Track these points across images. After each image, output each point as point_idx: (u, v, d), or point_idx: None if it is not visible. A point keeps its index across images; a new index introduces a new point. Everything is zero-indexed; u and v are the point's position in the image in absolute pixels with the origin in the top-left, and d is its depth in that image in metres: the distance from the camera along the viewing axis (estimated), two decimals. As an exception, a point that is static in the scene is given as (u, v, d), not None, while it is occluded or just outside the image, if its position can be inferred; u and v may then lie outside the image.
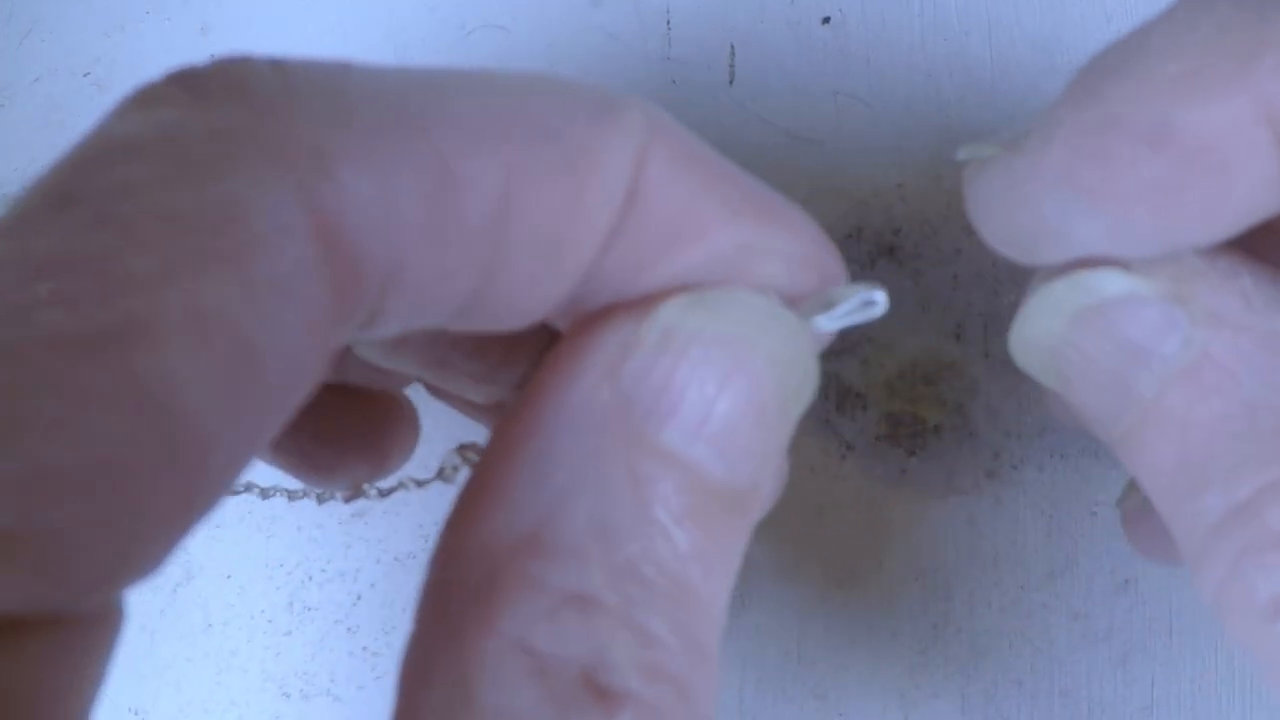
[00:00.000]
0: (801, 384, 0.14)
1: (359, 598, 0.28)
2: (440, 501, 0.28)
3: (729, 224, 0.14)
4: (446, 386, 0.20)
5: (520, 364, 0.19)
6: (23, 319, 0.09)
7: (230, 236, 0.10)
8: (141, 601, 0.28)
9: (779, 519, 0.26)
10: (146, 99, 0.11)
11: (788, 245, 0.14)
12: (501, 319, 0.14)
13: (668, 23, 0.29)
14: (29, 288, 0.10)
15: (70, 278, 0.10)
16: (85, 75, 0.34)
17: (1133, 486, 0.19)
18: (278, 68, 0.12)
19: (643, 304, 0.14)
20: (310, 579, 0.28)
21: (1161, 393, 0.14)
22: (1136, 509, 0.19)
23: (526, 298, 0.13)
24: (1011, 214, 0.15)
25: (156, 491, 0.10)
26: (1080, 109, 0.14)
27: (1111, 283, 0.15)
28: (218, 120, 0.11)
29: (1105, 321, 0.15)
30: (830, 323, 0.15)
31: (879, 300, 0.14)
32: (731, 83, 0.29)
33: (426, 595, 0.13)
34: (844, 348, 0.26)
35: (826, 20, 0.28)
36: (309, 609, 0.28)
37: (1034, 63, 0.27)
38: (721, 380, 0.13)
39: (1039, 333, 0.16)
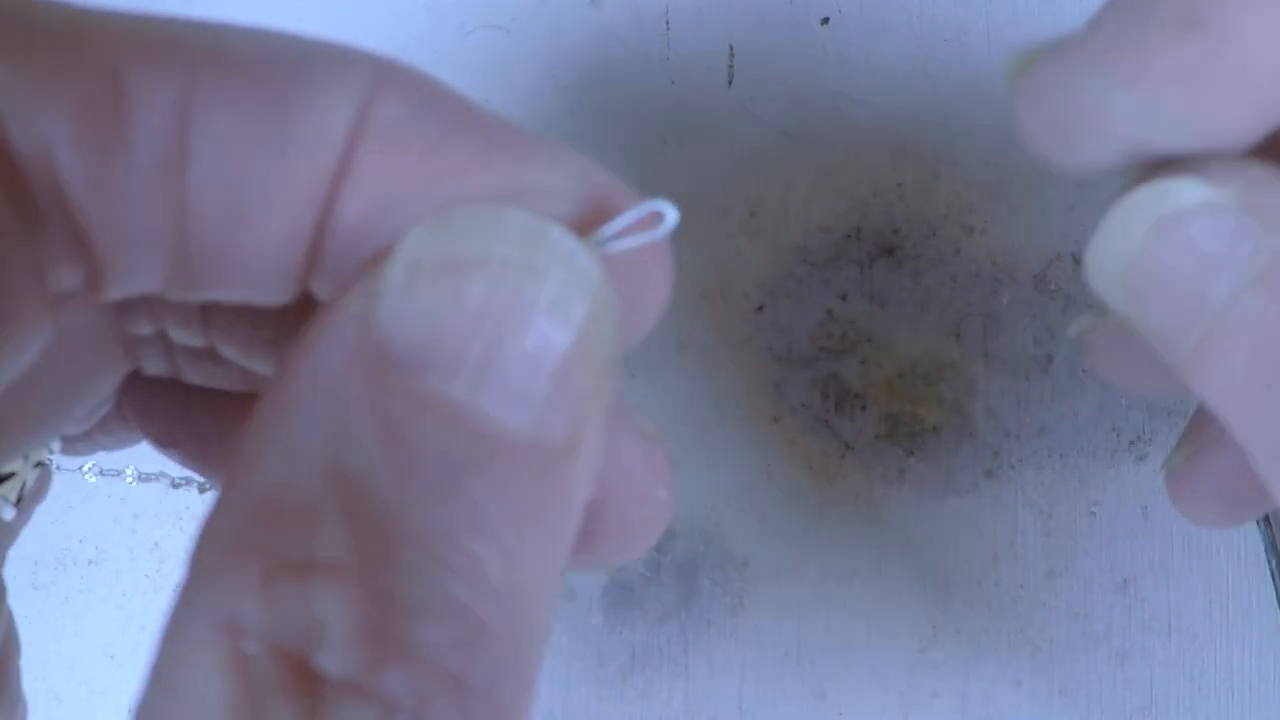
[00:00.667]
0: (603, 321, 0.12)
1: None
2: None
3: (484, 166, 0.12)
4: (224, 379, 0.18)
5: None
6: None
7: None
8: (143, 600, 0.28)
9: (779, 518, 0.26)
10: None
11: (561, 182, 0.13)
12: (238, 282, 0.12)
13: (667, 23, 0.29)
14: None
15: None
16: (85, 75, 0.34)
17: (1178, 447, 0.20)
18: None
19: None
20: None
21: (1234, 299, 0.15)
22: (1182, 469, 0.20)
23: (247, 255, 0.12)
24: (1056, 101, 0.16)
25: None
26: (1118, 5, 0.15)
27: (1189, 192, 0.15)
28: None
29: (1182, 230, 0.15)
30: (616, 242, 0.13)
31: (668, 212, 0.13)
32: (731, 83, 0.29)
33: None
34: (843, 348, 0.26)
35: (826, 21, 0.28)
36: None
37: (1033, 63, 0.27)
38: (499, 316, 0.12)
39: (1118, 246, 0.16)
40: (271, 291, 0.13)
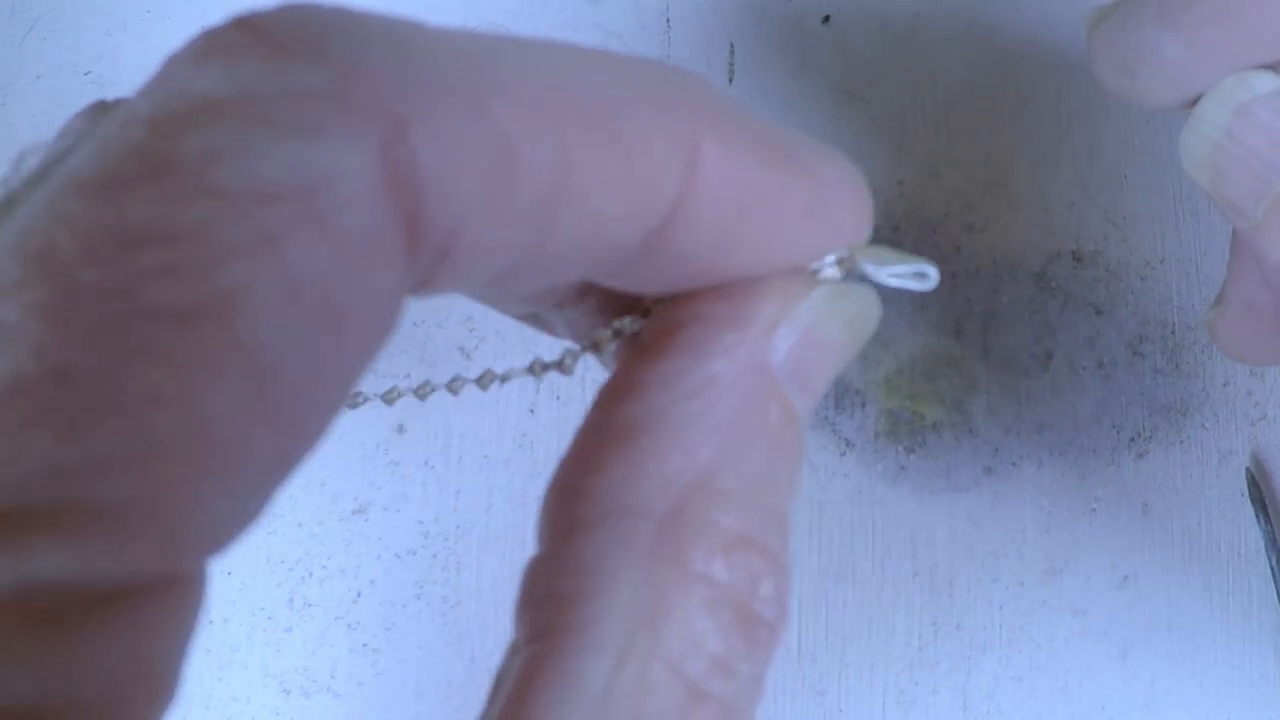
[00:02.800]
0: (862, 343, 0.17)
1: (359, 594, 0.28)
2: (443, 498, 0.28)
3: (789, 196, 0.15)
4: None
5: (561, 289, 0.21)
6: (129, 292, 0.10)
7: (319, 201, 0.11)
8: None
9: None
10: (217, 48, 0.11)
11: (844, 211, 0.16)
12: (546, 281, 0.15)
13: (667, 21, 0.29)
14: (134, 260, 0.10)
15: (173, 249, 0.10)
16: (86, 74, 0.34)
17: (1213, 305, 0.23)
18: (352, 20, 0.12)
19: (771, 286, 0.16)
20: (310, 575, 0.28)
21: None
22: (1221, 314, 0.23)
23: (576, 265, 0.14)
24: (1124, 44, 0.19)
25: (258, 454, 0.11)
26: None
27: (1265, 81, 0.19)
28: (297, 79, 0.11)
29: (1258, 115, 0.19)
30: (884, 279, 0.17)
31: (931, 275, 0.17)
32: (731, 81, 0.29)
33: (582, 515, 0.15)
34: (844, 345, 0.26)
35: (826, 19, 0.28)
36: (309, 605, 0.28)
37: (1034, 61, 0.27)
38: (830, 351, 0.16)
39: (1206, 129, 0.20)
40: (568, 281, 0.15)
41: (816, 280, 0.16)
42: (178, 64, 0.11)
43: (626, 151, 0.13)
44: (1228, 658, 0.24)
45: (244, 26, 0.11)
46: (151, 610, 0.10)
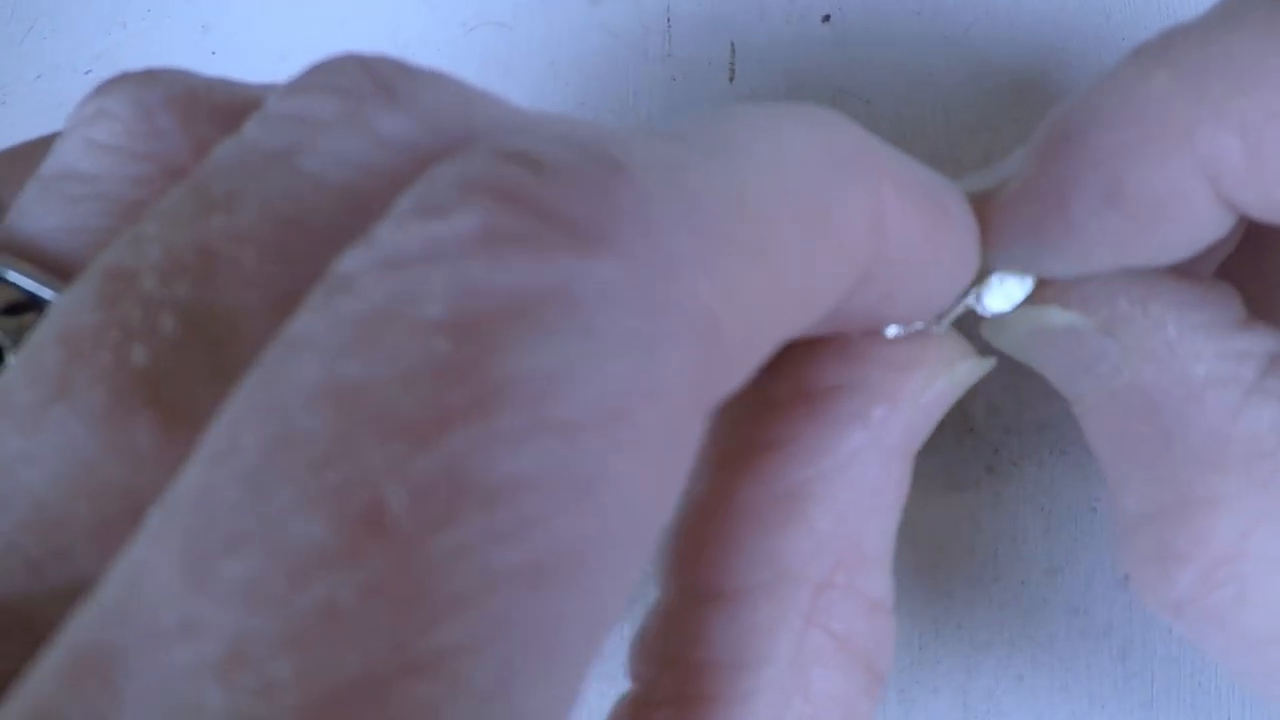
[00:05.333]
0: None
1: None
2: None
3: (942, 240, 0.15)
4: None
5: None
6: (472, 560, 0.08)
7: (649, 417, 0.09)
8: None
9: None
10: (515, 237, 0.09)
11: (970, 245, 0.16)
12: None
13: (668, 20, 0.29)
14: (473, 519, 0.08)
15: (518, 501, 0.08)
16: (87, 73, 0.34)
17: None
18: (627, 180, 0.10)
19: (921, 356, 0.16)
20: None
21: (1098, 403, 0.17)
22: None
23: (778, 342, 0.13)
24: (993, 251, 0.18)
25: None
26: (1044, 168, 0.16)
27: (1055, 317, 0.17)
28: (602, 273, 0.09)
29: (1053, 341, 0.18)
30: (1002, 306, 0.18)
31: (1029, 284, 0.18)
32: (732, 80, 0.29)
33: (741, 578, 0.15)
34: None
35: (827, 18, 0.28)
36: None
37: (1033, 60, 0.27)
38: (945, 409, 0.17)
39: (1001, 338, 0.19)
40: None
41: (960, 350, 0.17)
42: (453, 249, 0.09)
43: (839, 233, 0.13)
44: (1228, 657, 0.24)
45: (524, 203, 0.09)
46: None
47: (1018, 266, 0.17)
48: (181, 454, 0.09)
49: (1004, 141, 0.27)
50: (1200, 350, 0.16)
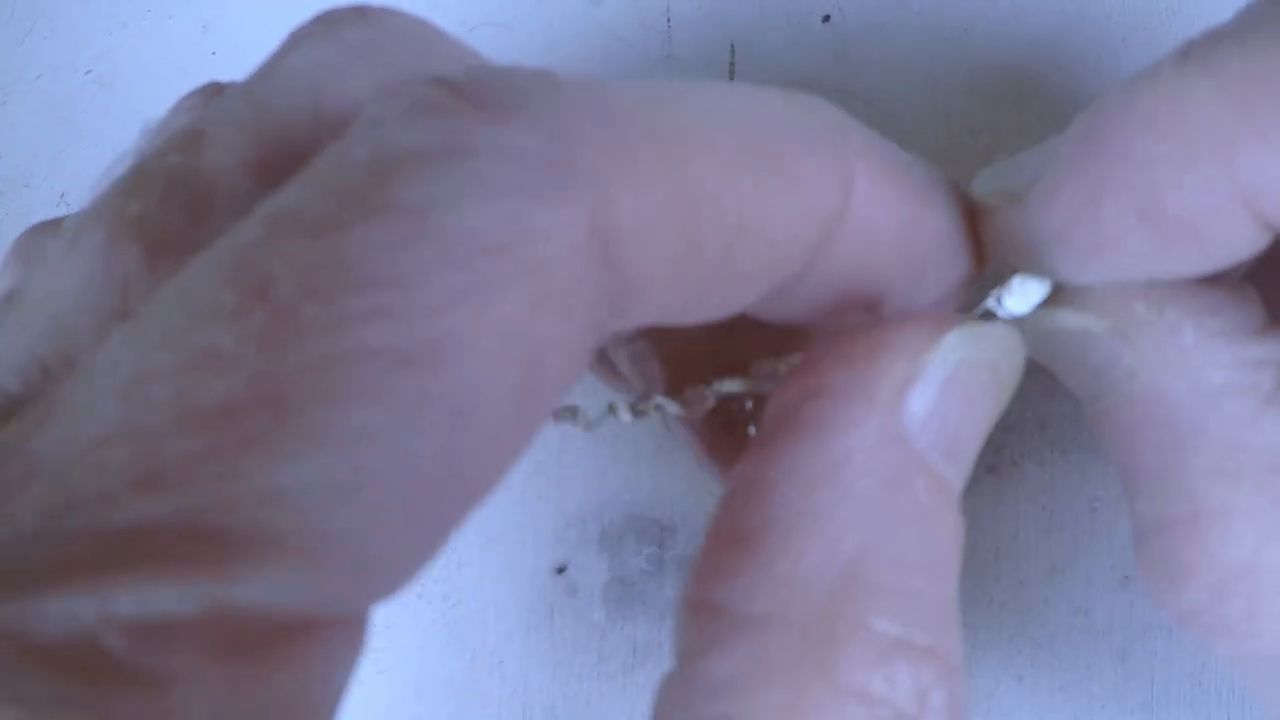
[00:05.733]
0: (1010, 396, 0.16)
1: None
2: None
3: (922, 228, 0.15)
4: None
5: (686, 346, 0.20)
6: (345, 330, 0.10)
7: (529, 255, 0.11)
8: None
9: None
10: (423, 107, 0.11)
11: (958, 249, 0.16)
12: (705, 315, 0.14)
13: (668, 21, 0.29)
14: (353, 300, 0.10)
15: (390, 292, 0.10)
16: (87, 73, 0.34)
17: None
18: (550, 83, 0.12)
19: (894, 337, 0.14)
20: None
21: (1112, 407, 0.16)
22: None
23: (736, 301, 0.14)
24: (1014, 253, 0.17)
25: (451, 497, 0.11)
26: (1076, 175, 0.15)
27: (1068, 319, 0.17)
28: (505, 137, 0.11)
29: (1068, 344, 0.17)
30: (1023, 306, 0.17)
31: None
32: (732, 80, 0.29)
33: (713, 630, 0.13)
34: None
35: (827, 19, 0.28)
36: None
37: (1034, 61, 0.27)
38: (977, 405, 0.15)
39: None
40: (720, 316, 0.15)
41: (944, 324, 0.15)
42: (383, 115, 0.11)
43: (796, 188, 0.13)
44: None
45: (443, 86, 0.12)
46: (327, 647, 0.10)
47: (1040, 271, 0.17)
48: (163, 275, 0.12)
49: (1004, 141, 0.27)
50: (1218, 358, 0.15)
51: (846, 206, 0.14)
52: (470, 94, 0.11)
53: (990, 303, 0.17)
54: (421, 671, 0.27)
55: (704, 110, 0.13)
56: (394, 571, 0.11)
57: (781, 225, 0.13)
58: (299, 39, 0.15)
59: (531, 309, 0.11)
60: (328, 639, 0.10)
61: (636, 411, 0.17)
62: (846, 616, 0.13)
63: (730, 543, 0.14)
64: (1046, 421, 0.25)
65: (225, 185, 0.13)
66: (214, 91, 0.18)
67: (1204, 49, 0.14)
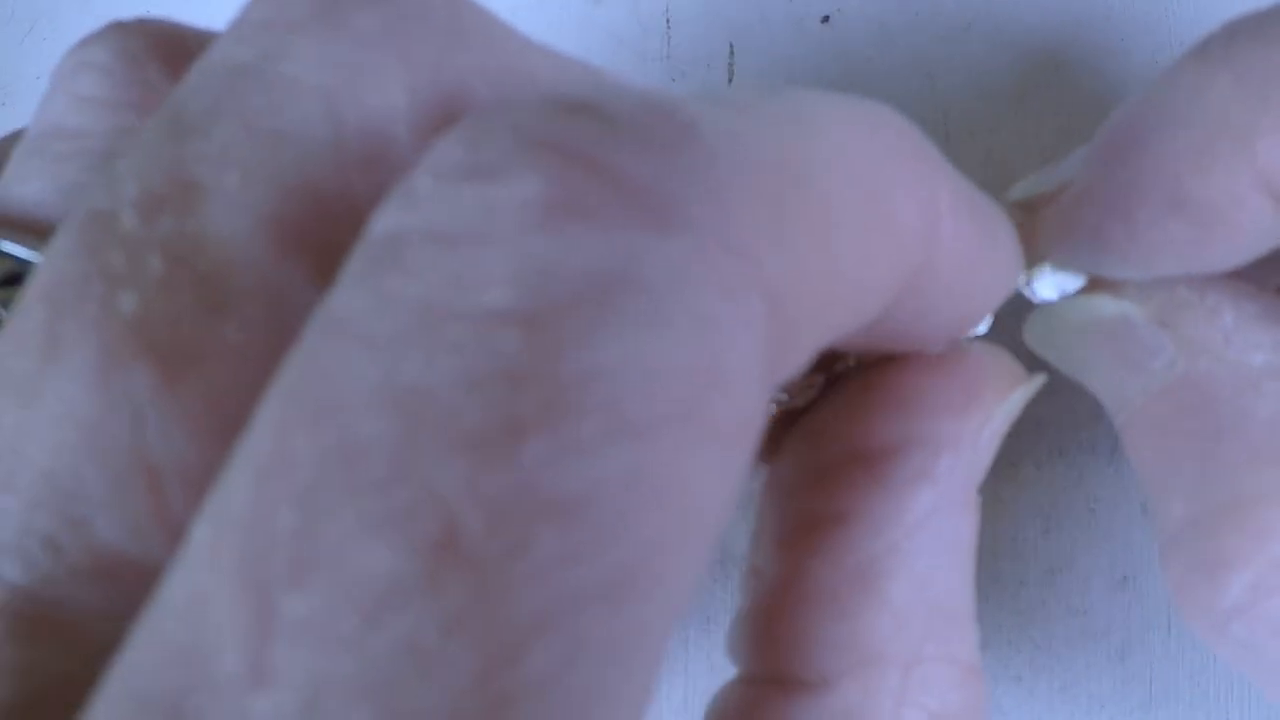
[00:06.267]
0: None
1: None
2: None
3: (988, 256, 0.14)
4: None
5: None
6: (551, 581, 0.08)
7: (717, 407, 0.08)
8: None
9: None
10: (581, 209, 0.08)
11: (1005, 267, 0.16)
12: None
13: (667, 22, 0.29)
14: (555, 537, 0.08)
15: (592, 514, 0.08)
16: (86, 73, 0.34)
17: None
18: (705, 153, 0.09)
19: (976, 388, 0.15)
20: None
21: (1147, 402, 0.16)
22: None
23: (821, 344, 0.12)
24: (1052, 254, 0.17)
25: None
26: (1108, 172, 0.16)
27: (1106, 306, 0.17)
28: (678, 252, 0.08)
29: (1102, 335, 0.17)
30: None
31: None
32: (731, 81, 0.29)
33: (825, 665, 0.14)
34: (843, 345, 0.26)
35: (826, 19, 0.28)
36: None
37: (1034, 61, 0.27)
38: (1004, 431, 0.16)
39: (1048, 336, 0.18)
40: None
41: (1016, 376, 0.15)
42: (511, 224, 0.08)
43: (895, 231, 0.12)
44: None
45: (589, 167, 0.08)
46: None
47: (1076, 267, 0.17)
48: (185, 400, 0.09)
49: (1004, 143, 0.27)
50: (1258, 339, 0.15)
51: (933, 243, 0.13)
52: (615, 176, 0.08)
53: (1019, 284, 0.17)
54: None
55: (823, 151, 0.11)
56: None
57: (882, 267, 0.12)
58: (289, 23, 0.11)
59: (726, 474, 0.09)
60: None
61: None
62: (938, 651, 0.14)
63: (838, 581, 0.14)
64: (1045, 422, 0.25)
65: (243, 260, 0.10)
66: (128, 47, 0.14)
67: (1223, 42, 0.15)
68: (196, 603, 0.08)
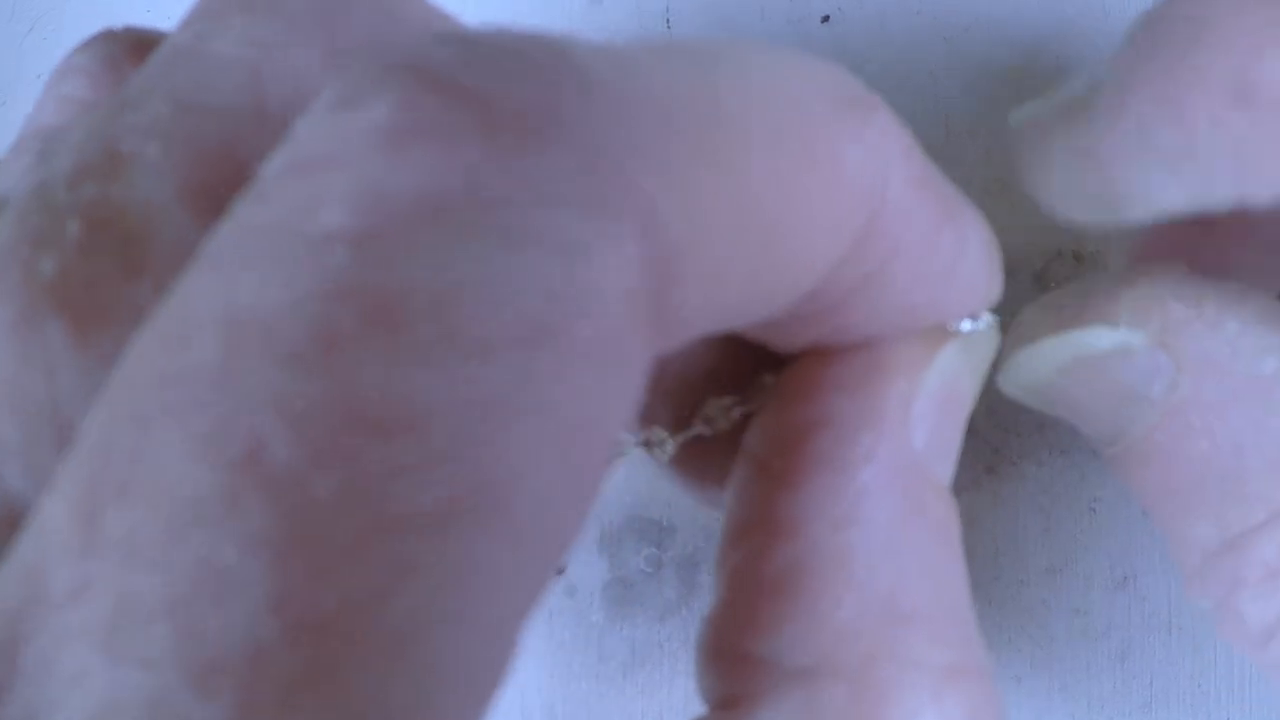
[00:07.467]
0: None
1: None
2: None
3: (941, 240, 0.13)
4: None
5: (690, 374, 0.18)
6: (371, 499, 0.07)
7: (581, 329, 0.08)
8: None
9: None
10: (425, 129, 0.08)
11: (980, 261, 0.14)
12: (731, 325, 0.12)
13: (667, 22, 0.29)
14: (375, 454, 0.07)
15: (423, 432, 0.07)
16: (86, 73, 0.34)
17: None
18: (568, 64, 0.09)
19: (893, 360, 0.14)
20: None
21: (1150, 431, 0.15)
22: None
23: (765, 310, 0.12)
24: (1083, 181, 0.14)
25: (510, 623, 0.09)
26: (1153, 63, 0.13)
27: (1101, 338, 0.15)
28: (537, 172, 0.08)
29: (1095, 370, 0.15)
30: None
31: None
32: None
33: (750, 687, 0.12)
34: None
35: (826, 19, 0.28)
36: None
37: (1034, 61, 0.27)
38: (964, 406, 0.14)
39: (1026, 379, 0.16)
40: (732, 327, 0.13)
41: (938, 340, 0.14)
42: (381, 147, 0.08)
43: (839, 176, 0.11)
44: (1227, 659, 0.24)
45: (432, 80, 0.08)
46: None
47: (1110, 193, 0.14)
48: (98, 355, 0.09)
49: (1004, 142, 0.27)
50: (1266, 343, 0.14)
51: (883, 199, 0.12)
52: (470, 95, 0.08)
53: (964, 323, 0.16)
54: (421, 671, 0.27)
55: (741, 88, 0.10)
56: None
57: (819, 217, 0.11)
58: (226, 11, 0.11)
59: (589, 391, 0.08)
60: None
61: (647, 445, 0.16)
62: (894, 656, 0.12)
63: (760, 590, 0.13)
64: (1045, 422, 0.25)
65: (161, 223, 0.10)
66: (111, 52, 0.15)
67: None
68: (43, 524, 0.08)
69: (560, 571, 0.27)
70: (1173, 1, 0.13)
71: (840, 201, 0.11)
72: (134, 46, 0.18)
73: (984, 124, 0.27)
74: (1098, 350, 0.15)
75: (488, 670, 0.08)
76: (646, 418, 0.18)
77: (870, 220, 0.12)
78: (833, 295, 0.13)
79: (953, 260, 0.14)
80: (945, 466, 0.14)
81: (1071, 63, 0.27)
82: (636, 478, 0.27)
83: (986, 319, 0.15)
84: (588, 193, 0.08)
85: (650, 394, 0.18)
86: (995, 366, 0.17)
